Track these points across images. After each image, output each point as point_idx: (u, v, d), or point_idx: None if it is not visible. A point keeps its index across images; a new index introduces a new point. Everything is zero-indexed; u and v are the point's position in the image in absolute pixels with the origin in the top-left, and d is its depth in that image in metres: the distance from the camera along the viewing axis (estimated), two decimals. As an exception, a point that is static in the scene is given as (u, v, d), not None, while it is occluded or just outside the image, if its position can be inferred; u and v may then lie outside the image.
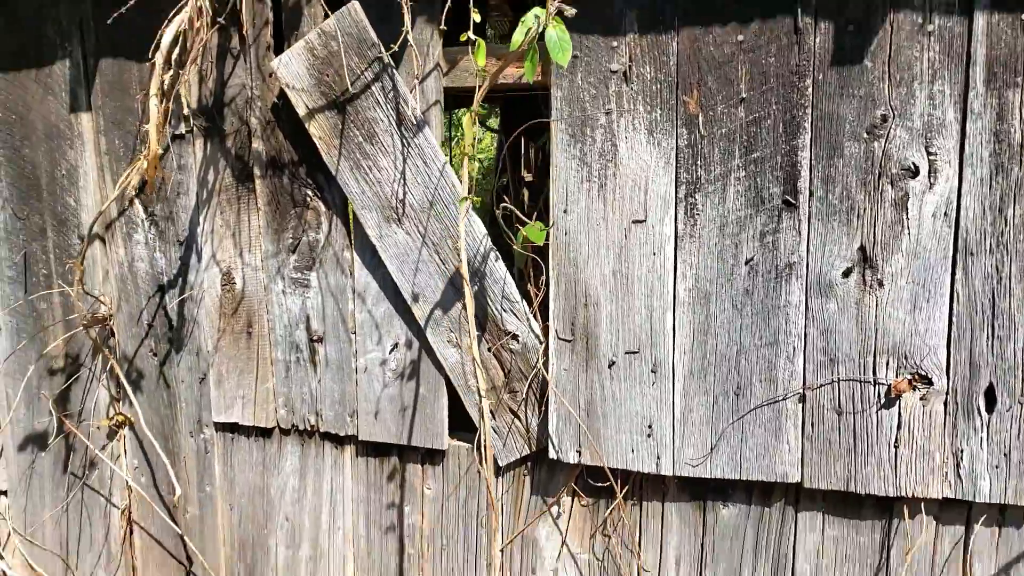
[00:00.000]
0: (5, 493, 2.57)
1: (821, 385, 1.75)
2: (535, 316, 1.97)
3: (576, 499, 2.02)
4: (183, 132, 2.16)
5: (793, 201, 1.70)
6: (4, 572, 2.50)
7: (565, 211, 1.87)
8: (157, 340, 2.31)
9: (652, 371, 1.86)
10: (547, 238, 1.86)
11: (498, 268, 1.94)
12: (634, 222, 1.83)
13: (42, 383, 2.45)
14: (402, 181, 1.96)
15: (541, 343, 1.95)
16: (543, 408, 1.97)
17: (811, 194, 1.70)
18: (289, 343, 2.18)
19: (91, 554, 2.52)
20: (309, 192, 2.09)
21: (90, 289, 2.32)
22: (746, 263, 1.76)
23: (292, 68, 1.98)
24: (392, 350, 2.08)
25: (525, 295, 1.97)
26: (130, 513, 2.45)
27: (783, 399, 1.78)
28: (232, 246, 2.19)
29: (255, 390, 2.24)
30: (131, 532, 2.46)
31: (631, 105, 1.79)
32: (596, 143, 1.83)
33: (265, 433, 2.29)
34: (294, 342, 2.18)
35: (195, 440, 2.34)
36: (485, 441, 1.83)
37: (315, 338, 2.15)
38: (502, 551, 2.06)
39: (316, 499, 2.27)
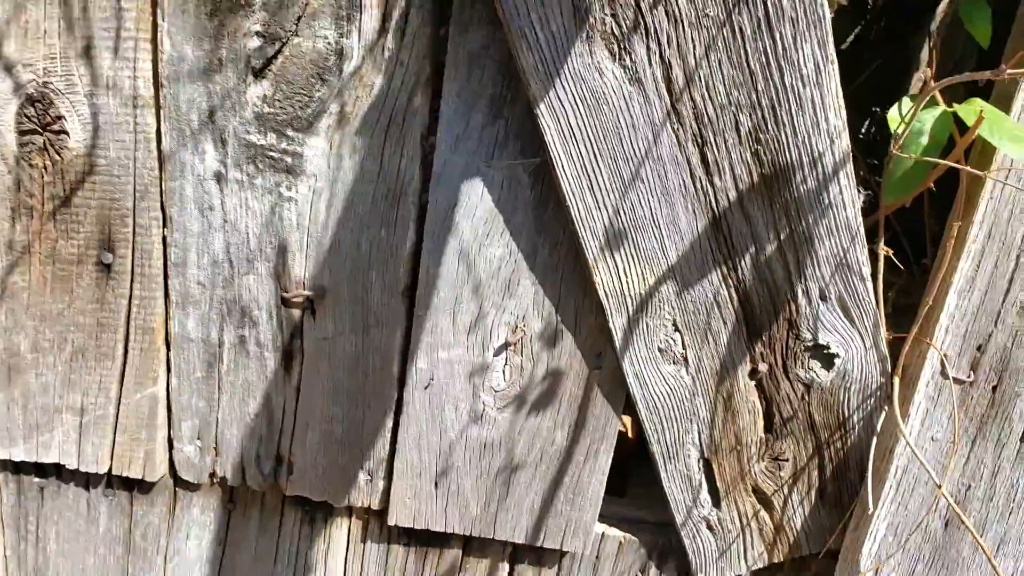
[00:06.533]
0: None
1: None
2: (882, 321, 0.84)
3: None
4: None
5: None
6: None
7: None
8: None
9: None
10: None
11: (839, 196, 0.78)
12: None
13: None
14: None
15: (883, 379, 0.85)
16: (848, 509, 0.92)
17: None
18: (218, 303, 0.86)
19: None
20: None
21: None
22: None
23: None
24: (501, 350, 0.87)
25: (873, 273, 0.83)
26: None
27: None
28: (57, 36, 0.76)
29: (116, 400, 0.91)
30: None
31: None
32: None
33: (137, 486, 0.98)
34: (236, 304, 0.86)
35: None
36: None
37: (296, 299, 0.85)
38: None
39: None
